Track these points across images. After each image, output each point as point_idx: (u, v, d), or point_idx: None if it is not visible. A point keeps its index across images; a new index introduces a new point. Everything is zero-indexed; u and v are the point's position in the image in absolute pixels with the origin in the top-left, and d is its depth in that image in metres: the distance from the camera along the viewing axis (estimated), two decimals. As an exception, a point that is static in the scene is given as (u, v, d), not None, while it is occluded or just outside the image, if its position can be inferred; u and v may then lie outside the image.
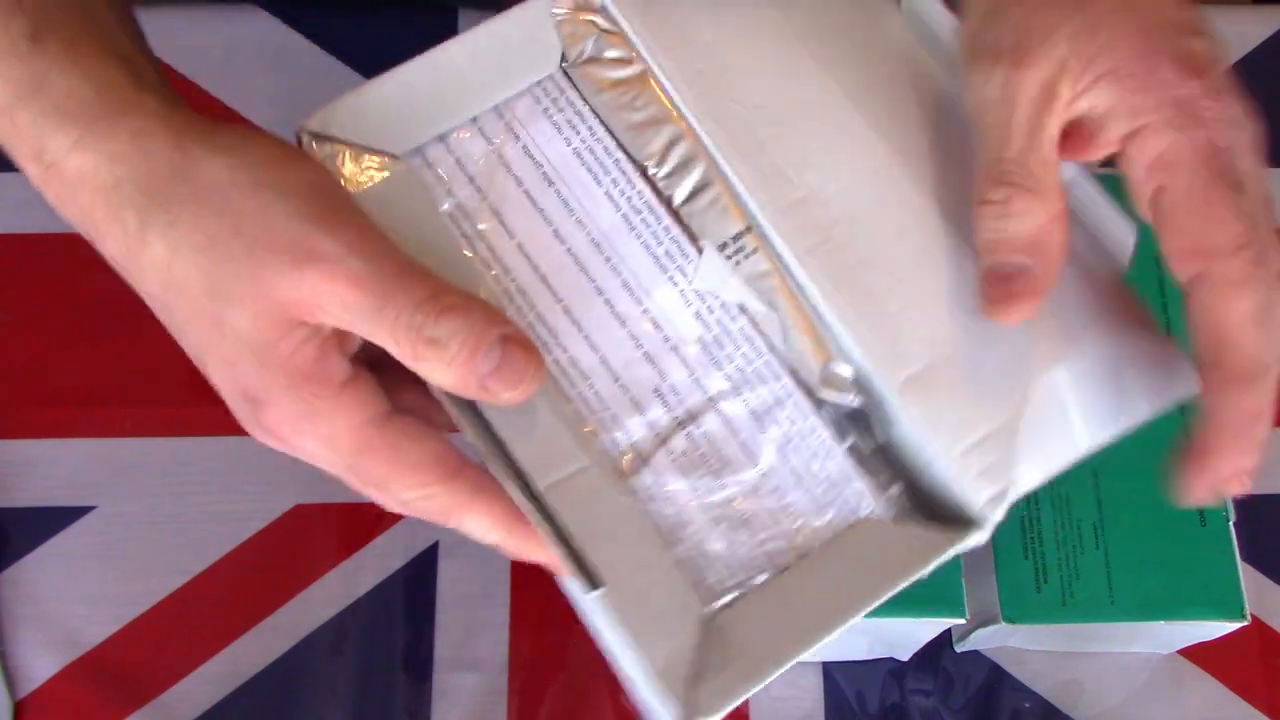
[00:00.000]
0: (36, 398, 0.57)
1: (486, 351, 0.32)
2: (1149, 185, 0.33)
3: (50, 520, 0.55)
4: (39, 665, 0.53)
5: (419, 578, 0.55)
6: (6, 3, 0.34)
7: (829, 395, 0.38)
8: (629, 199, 0.39)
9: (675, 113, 0.39)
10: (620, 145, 0.39)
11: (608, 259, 0.38)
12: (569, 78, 0.40)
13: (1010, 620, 0.48)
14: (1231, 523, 0.49)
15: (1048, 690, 0.54)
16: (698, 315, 0.38)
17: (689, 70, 0.39)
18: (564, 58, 0.40)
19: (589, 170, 0.39)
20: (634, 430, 0.37)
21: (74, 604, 0.54)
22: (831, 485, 0.37)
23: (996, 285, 0.35)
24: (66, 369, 0.58)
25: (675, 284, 0.38)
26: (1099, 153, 0.34)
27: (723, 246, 0.39)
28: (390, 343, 0.33)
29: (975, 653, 0.54)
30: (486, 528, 0.35)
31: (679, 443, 0.37)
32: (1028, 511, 0.49)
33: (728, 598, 0.36)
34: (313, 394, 0.34)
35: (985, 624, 0.49)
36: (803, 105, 0.39)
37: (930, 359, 0.37)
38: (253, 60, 0.63)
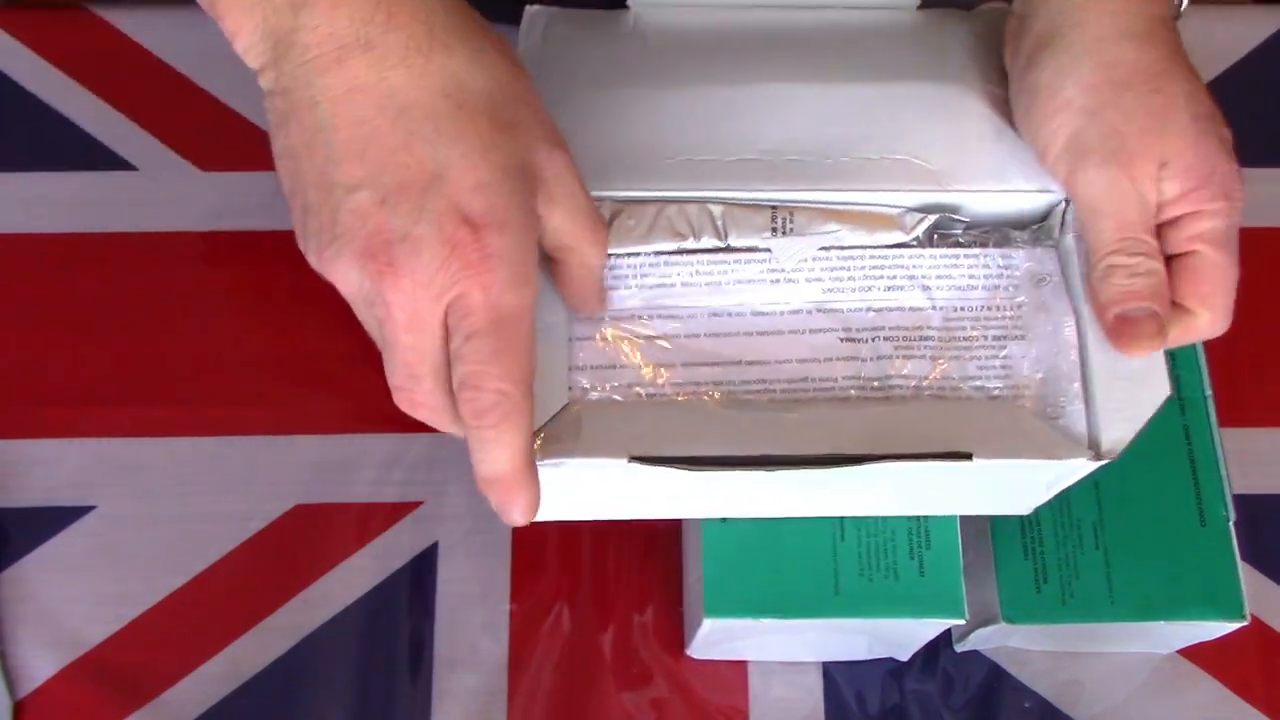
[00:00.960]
0: (36, 398, 0.57)
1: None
2: (1187, 246, 0.42)
3: (50, 520, 0.55)
4: (39, 665, 0.53)
5: (419, 578, 0.55)
6: None
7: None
8: (695, 271, 0.44)
9: (656, 204, 0.44)
10: (655, 255, 0.44)
11: (725, 315, 0.44)
12: None
13: (1010, 620, 0.48)
14: (1231, 523, 0.49)
15: (1048, 690, 0.54)
16: (810, 281, 0.44)
17: (639, 174, 0.45)
18: None
19: (658, 285, 0.44)
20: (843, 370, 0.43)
21: (74, 604, 0.54)
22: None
23: (1129, 327, 0.42)
24: (66, 369, 0.58)
25: (777, 282, 0.44)
26: (1159, 220, 0.43)
27: (774, 231, 0.44)
28: (586, 221, 0.40)
29: (975, 653, 0.54)
30: (506, 458, 0.38)
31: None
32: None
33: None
34: (532, 249, 0.39)
35: (985, 624, 0.49)
36: (728, 103, 0.46)
37: None
38: (253, 60, 0.63)
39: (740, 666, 0.54)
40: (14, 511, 0.55)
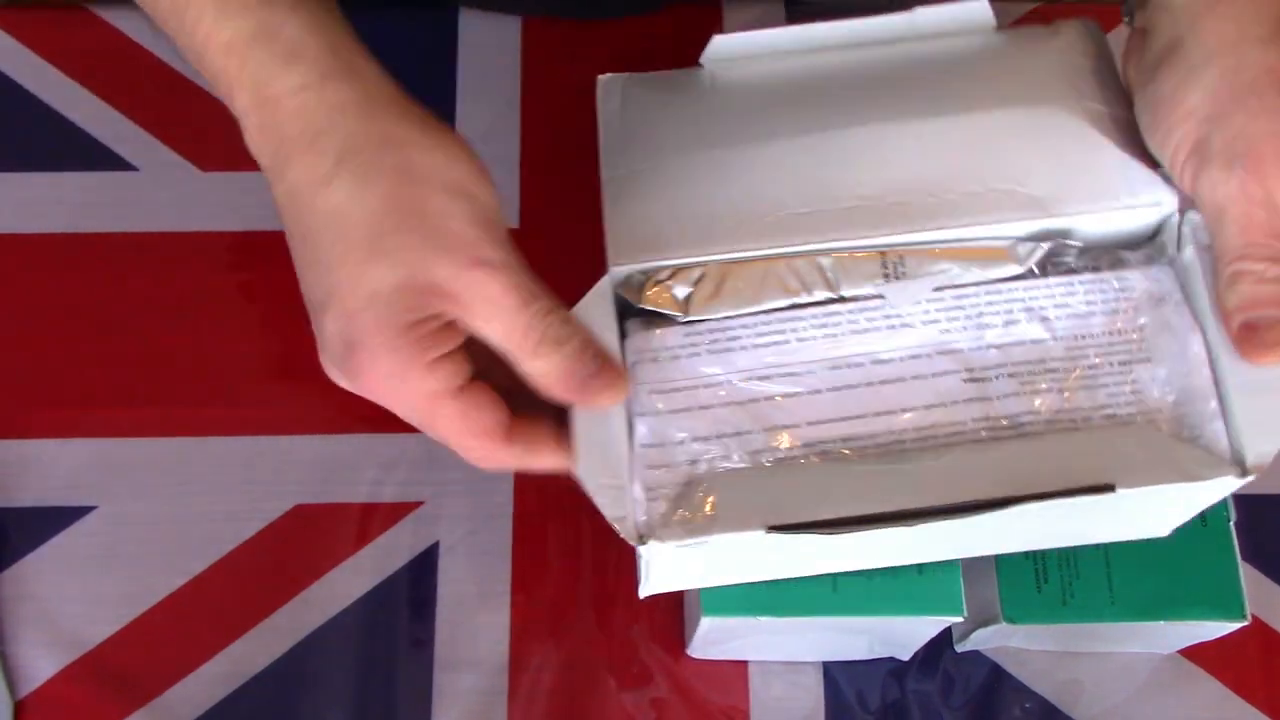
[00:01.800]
0: (36, 398, 0.57)
1: (593, 355, 0.40)
2: None
3: (50, 520, 0.55)
4: (39, 665, 0.53)
5: (419, 578, 0.55)
6: None
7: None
8: (810, 325, 0.44)
9: (763, 262, 0.44)
10: (767, 314, 0.44)
11: (845, 367, 0.43)
12: (685, 323, 0.44)
13: (1011, 620, 0.48)
14: (1231, 523, 0.49)
15: (1048, 690, 0.54)
16: (926, 323, 0.44)
17: (742, 234, 0.44)
18: (677, 313, 0.44)
19: (773, 343, 0.44)
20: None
21: (74, 604, 0.54)
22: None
23: (1254, 335, 0.41)
24: (66, 369, 0.58)
25: (894, 328, 0.43)
26: None
27: (886, 277, 0.44)
28: (518, 337, 0.39)
29: (975, 653, 0.54)
30: (550, 467, 0.41)
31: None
32: (1028, 511, 0.49)
33: None
34: (410, 360, 0.39)
35: (985, 624, 0.49)
36: (820, 143, 0.45)
37: None
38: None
39: (740, 666, 0.54)
40: (14, 511, 0.55)
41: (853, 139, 0.45)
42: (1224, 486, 0.41)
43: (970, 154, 0.45)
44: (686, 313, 0.44)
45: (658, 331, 0.43)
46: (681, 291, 0.44)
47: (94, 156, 0.61)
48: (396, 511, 0.56)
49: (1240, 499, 0.49)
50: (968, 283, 0.44)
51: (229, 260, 0.59)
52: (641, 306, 0.44)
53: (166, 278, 0.59)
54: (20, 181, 0.61)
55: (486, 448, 0.41)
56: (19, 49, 0.63)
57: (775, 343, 0.43)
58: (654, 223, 0.45)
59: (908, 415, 0.42)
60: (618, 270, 0.44)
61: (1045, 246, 0.44)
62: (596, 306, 0.43)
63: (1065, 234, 0.44)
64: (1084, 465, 0.40)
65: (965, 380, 0.43)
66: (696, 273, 0.44)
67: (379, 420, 0.56)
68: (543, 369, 0.40)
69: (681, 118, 0.47)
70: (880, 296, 0.44)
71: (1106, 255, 0.44)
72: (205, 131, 0.61)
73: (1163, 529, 0.45)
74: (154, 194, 0.60)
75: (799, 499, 0.40)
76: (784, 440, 0.42)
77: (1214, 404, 0.41)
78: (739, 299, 0.44)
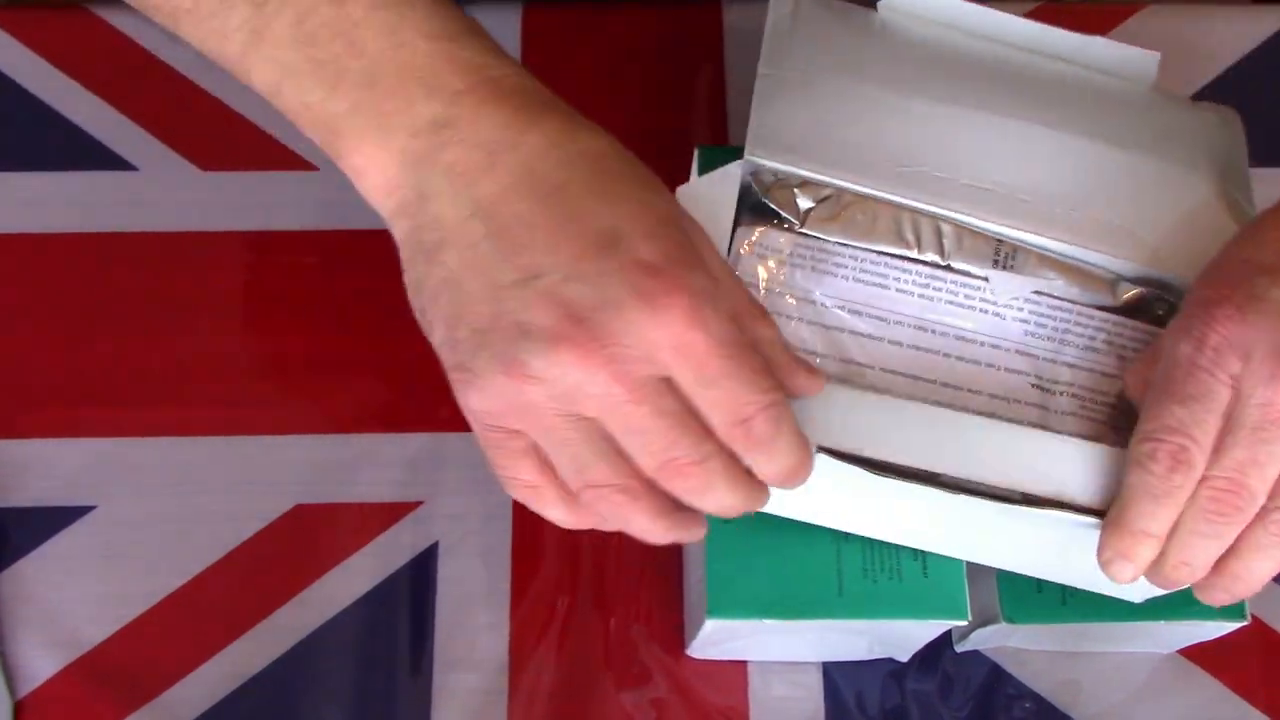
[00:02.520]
0: (36, 398, 0.57)
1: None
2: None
3: (50, 520, 0.55)
4: (39, 665, 0.53)
5: (419, 578, 0.55)
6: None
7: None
8: (913, 280, 0.45)
9: (889, 206, 0.45)
10: (876, 254, 0.45)
11: (930, 330, 0.45)
12: (798, 232, 0.45)
13: (1010, 620, 0.48)
14: (1231, 523, 0.49)
15: (1048, 690, 0.54)
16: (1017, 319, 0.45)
17: (877, 173, 0.45)
18: (794, 220, 0.45)
19: (874, 283, 0.45)
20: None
21: (74, 604, 0.54)
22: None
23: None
24: (66, 369, 0.58)
25: (985, 312, 0.45)
26: None
27: (995, 263, 0.45)
28: (712, 412, 0.37)
29: (975, 653, 0.54)
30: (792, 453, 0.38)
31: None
32: (1028, 511, 0.49)
33: None
34: (724, 270, 0.39)
35: (985, 624, 0.49)
36: (960, 132, 0.47)
37: None
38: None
39: (740, 666, 0.54)
40: (14, 511, 0.55)
41: (1003, 128, 0.47)
42: None
43: (1106, 183, 0.46)
44: (803, 224, 0.45)
45: (770, 230, 0.44)
46: (805, 202, 0.45)
47: (94, 156, 0.61)
48: (396, 511, 0.56)
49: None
50: (1064, 297, 0.46)
51: (229, 260, 0.59)
52: (764, 201, 0.45)
53: (166, 278, 0.59)
54: (20, 181, 0.61)
55: (762, 375, 0.37)
56: (19, 49, 0.63)
57: (876, 284, 0.45)
58: (798, 130, 0.46)
59: (973, 398, 0.44)
60: (753, 160, 0.45)
61: (1140, 290, 0.46)
62: (721, 183, 0.44)
63: (1165, 287, 0.46)
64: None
65: (1033, 385, 0.44)
66: (825, 191, 0.45)
67: (379, 420, 0.57)
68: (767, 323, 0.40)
69: (846, 45, 0.48)
70: (985, 279, 0.45)
71: None
72: (205, 131, 0.61)
73: (1140, 595, 0.45)
74: (154, 194, 0.60)
75: (856, 431, 0.40)
76: (853, 375, 0.43)
77: None
78: (855, 229, 0.45)
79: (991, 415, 0.43)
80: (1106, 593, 0.45)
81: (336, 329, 0.58)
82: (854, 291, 0.44)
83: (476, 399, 0.37)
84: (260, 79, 0.39)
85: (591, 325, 0.35)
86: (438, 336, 0.38)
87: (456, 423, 0.39)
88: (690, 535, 0.39)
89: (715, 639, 0.50)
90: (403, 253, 0.39)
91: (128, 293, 0.59)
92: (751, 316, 0.39)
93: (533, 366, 0.36)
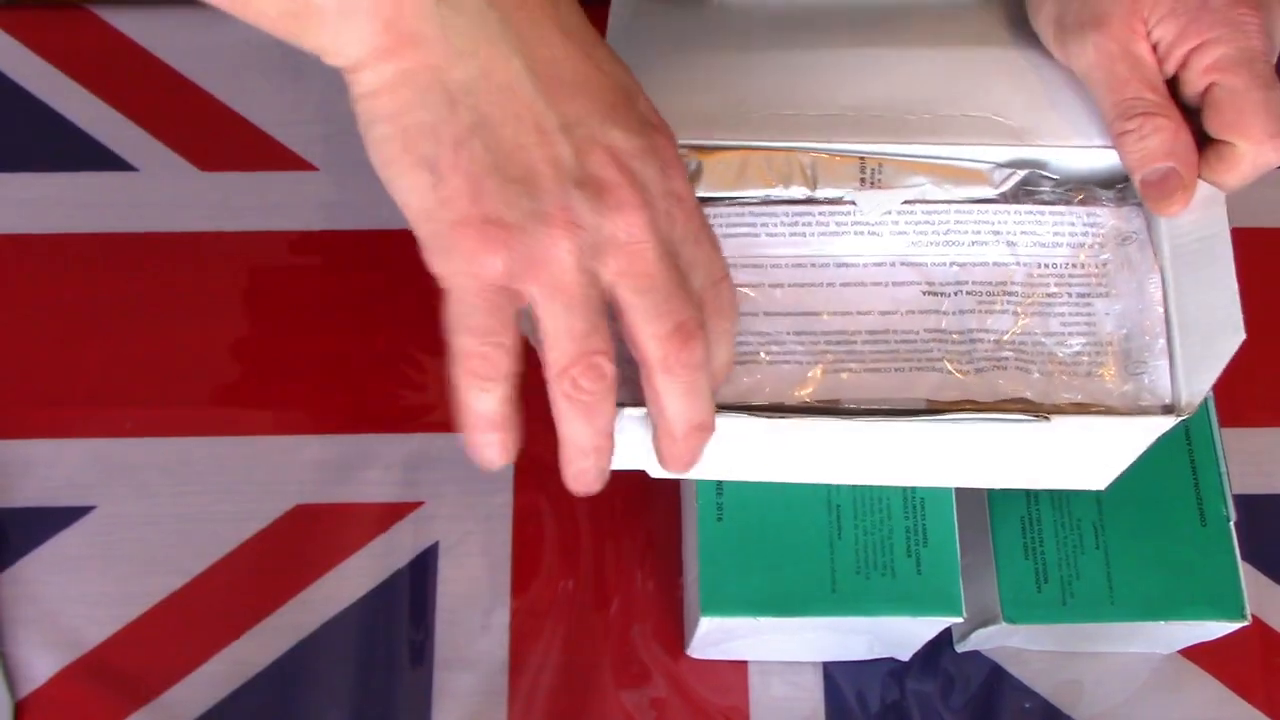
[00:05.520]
0: (36, 398, 0.57)
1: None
2: (1202, 82, 0.42)
3: (50, 520, 0.55)
4: (39, 665, 0.53)
5: (419, 578, 0.55)
6: None
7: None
8: (780, 222, 0.45)
9: (747, 151, 0.45)
10: (740, 205, 0.45)
11: (808, 265, 0.45)
12: None
13: (1010, 620, 0.48)
14: (1231, 523, 0.49)
15: (1048, 690, 0.54)
16: (894, 233, 0.45)
17: (730, 124, 0.46)
18: None
19: (744, 234, 0.45)
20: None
21: (74, 604, 0.54)
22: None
23: (1153, 189, 0.43)
24: (66, 369, 0.58)
25: (860, 234, 0.45)
26: (1170, 69, 0.43)
27: (863, 182, 0.45)
28: (692, 271, 0.38)
29: (975, 653, 0.54)
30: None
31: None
32: (1028, 511, 0.49)
33: None
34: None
35: (985, 624, 0.49)
36: (812, 66, 0.47)
37: None
38: (254, 61, 0.63)
39: (740, 666, 0.54)
40: (14, 511, 0.55)
41: (842, 58, 0.47)
42: (1158, 426, 0.42)
43: (955, 82, 0.47)
44: None
45: None
46: None
47: (94, 156, 0.61)
48: (396, 511, 0.56)
49: (1240, 499, 0.49)
50: (939, 199, 0.45)
51: (229, 260, 0.59)
52: None
53: (166, 278, 0.59)
54: (20, 181, 0.61)
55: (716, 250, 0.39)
56: (19, 49, 0.63)
57: (745, 234, 0.45)
58: None
59: (863, 319, 0.44)
60: None
61: (1020, 174, 0.45)
62: None
63: (1040, 165, 0.46)
64: (1022, 394, 0.42)
65: (924, 293, 0.44)
66: (683, 153, 0.44)
67: (379, 420, 0.57)
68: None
69: (685, 28, 0.49)
70: (852, 202, 0.45)
71: (1080, 191, 0.46)
72: (205, 131, 0.61)
73: (1100, 480, 0.46)
74: (154, 194, 0.60)
75: (752, 389, 0.42)
76: (742, 326, 0.43)
77: (1162, 343, 0.43)
78: (717, 182, 0.45)
79: (885, 331, 0.43)
80: (1060, 485, 0.47)
81: (336, 329, 0.58)
82: (725, 246, 0.43)
83: (501, 254, 0.35)
84: None
85: (631, 174, 0.36)
86: (450, 188, 0.35)
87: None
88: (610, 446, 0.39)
89: (713, 638, 0.50)
90: (388, 99, 0.35)
91: (128, 293, 0.59)
92: None
93: (580, 213, 0.35)
